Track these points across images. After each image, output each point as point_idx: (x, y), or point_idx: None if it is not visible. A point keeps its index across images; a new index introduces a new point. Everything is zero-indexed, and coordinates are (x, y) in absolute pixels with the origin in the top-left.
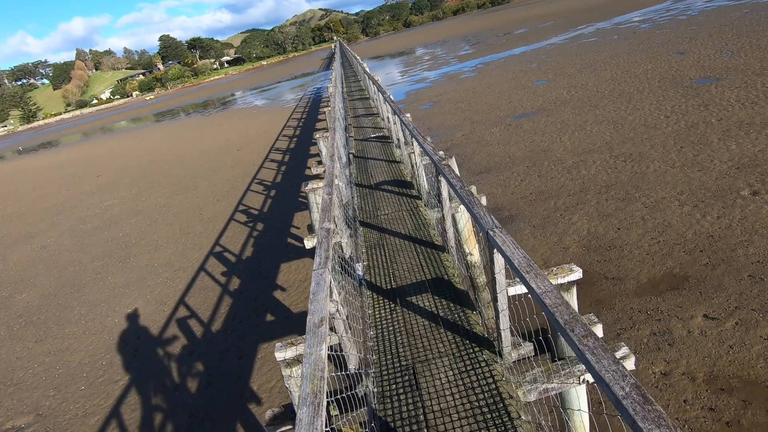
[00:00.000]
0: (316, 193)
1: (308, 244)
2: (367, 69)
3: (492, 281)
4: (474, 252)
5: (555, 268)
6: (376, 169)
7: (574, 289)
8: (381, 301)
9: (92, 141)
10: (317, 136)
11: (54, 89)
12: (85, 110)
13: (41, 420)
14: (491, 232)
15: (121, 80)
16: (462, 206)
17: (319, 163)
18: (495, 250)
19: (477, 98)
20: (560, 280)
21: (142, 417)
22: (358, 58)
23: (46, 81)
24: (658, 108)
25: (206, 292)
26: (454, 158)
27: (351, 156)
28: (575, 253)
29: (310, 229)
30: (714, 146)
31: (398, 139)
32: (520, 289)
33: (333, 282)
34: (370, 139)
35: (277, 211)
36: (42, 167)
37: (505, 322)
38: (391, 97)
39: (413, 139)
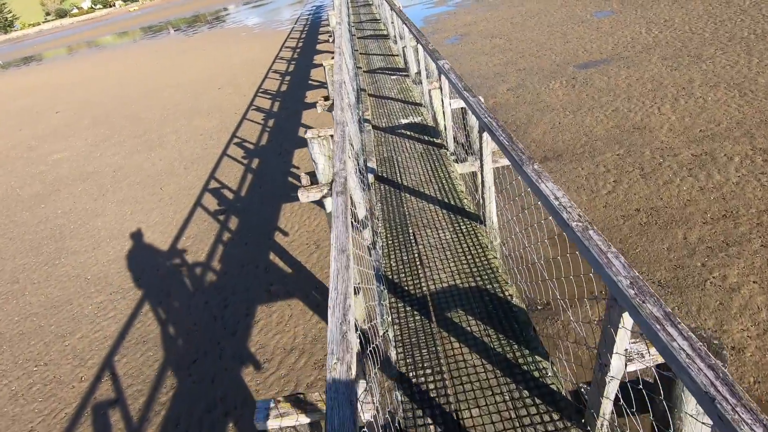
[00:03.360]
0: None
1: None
2: None
3: None
4: None
5: None
6: (423, 214)
7: None
8: None
9: (67, 61)
10: (309, 135)
11: None
12: (66, 21)
13: None
14: None
15: None
16: None
17: (312, 181)
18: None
19: (519, 33)
20: None
21: None
22: None
23: None
24: None
25: (144, 348)
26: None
27: (373, 176)
28: (763, 364)
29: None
30: None
31: (462, 142)
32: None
33: None
34: (399, 129)
35: (258, 199)
36: (4, 94)
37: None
38: (445, 64)
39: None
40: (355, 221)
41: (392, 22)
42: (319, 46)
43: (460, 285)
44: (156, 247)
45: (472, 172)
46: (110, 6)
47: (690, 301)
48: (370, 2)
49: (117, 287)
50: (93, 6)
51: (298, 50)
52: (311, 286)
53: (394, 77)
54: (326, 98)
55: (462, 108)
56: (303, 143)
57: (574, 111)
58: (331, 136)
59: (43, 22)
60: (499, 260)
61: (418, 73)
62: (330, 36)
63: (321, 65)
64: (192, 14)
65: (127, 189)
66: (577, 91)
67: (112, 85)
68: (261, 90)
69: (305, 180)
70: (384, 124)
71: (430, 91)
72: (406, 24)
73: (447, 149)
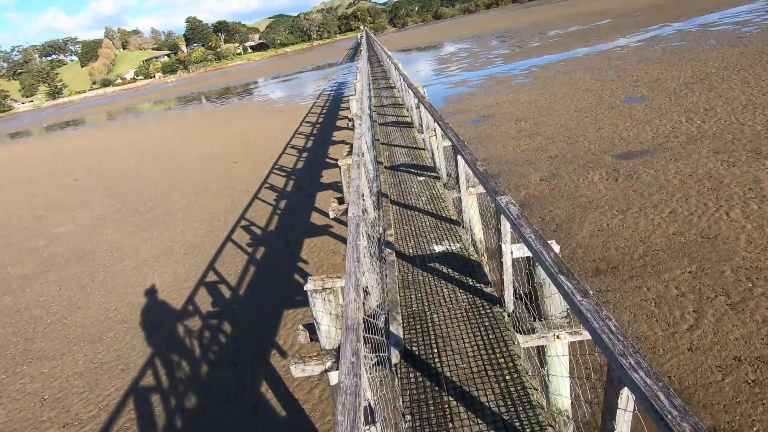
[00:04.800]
0: None
1: None
2: (409, 78)
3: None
4: None
5: None
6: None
7: None
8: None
9: (100, 127)
10: (310, 287)
11: (82, 66)
12: (108, 90)
13: None
14: None
15: (146, 60)
16: None
17: (311, 337)
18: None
19: (545, 116)
20: None
21: None
22: (390, 55)
23: (74, 58)
24: None
25: None
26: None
27: (399, 354)
28: None
29: None
30: None
31: (523, 294)
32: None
33: None
34: (431, 260)
35: (257, 301)
36: (34, 158)
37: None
38: (510, 204)
39: None
40: None
41: (417, 108)
42: (339, 123)
43: None
44: (130, 361)
45: (541, 346)
46: (151, 77)
47: None
48: (392, 85)
49: (73, 417)
50: (135, 77)
51: (318, 125)
52: None
53: (422, 178)
54: (340, 201)
55: (529, 257)
56: (313, 231)
57: (623, 210)
58: (341, 287)
59: (88, 90)
60: None
61: (450, 175)
62: (350, 121)
63: (340, 142)
64: (223, 86)
65: (118, 276)
66: (621, 186)
67: (133, 154)
68: (276, 166)
69: (303, 336)
70: (411, 251)
71: (468, 198)
72: (439, 124)
73: (504, 307)
